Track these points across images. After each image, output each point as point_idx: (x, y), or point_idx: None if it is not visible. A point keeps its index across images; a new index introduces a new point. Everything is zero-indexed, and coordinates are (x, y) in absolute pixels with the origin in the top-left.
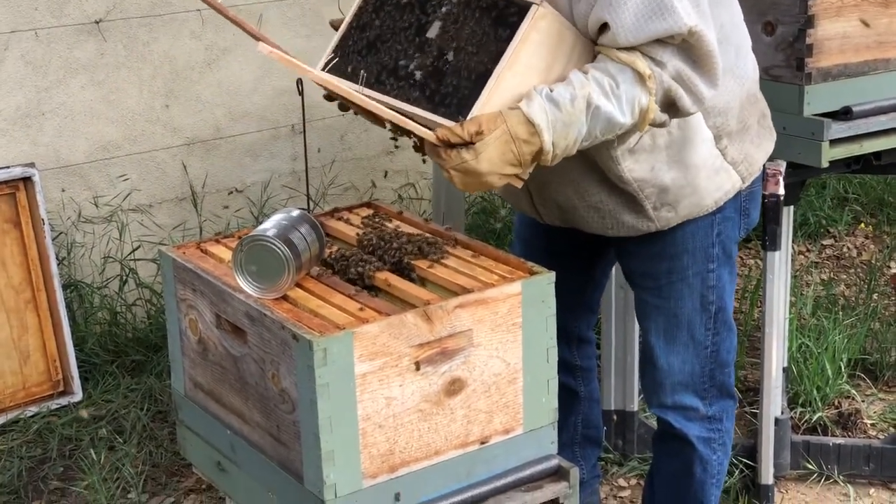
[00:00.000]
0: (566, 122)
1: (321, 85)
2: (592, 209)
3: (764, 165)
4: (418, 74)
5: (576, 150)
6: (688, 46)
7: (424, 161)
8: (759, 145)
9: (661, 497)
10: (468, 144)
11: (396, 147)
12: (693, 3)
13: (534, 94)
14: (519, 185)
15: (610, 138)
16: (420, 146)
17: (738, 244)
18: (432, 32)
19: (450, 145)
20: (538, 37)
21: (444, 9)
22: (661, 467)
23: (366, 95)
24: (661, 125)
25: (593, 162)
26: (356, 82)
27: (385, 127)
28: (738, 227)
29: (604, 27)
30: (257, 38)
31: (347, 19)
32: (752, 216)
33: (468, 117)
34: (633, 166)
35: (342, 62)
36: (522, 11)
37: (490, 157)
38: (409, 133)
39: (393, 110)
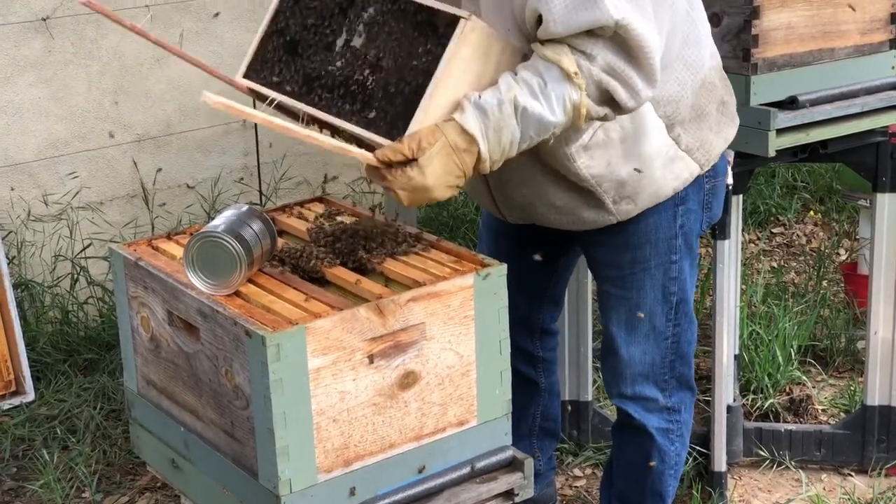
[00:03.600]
0: (497, 128)
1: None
2: (552, 207)
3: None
4: (347, 86)
5: (515, 152)
6: (619, 40)
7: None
8: (719, 132)
9: (620, 487)
10: (410, 161)
11: None
12: None
13: (465, 104)
14: (456, 193)
15: (547, 138)
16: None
17: (699, 238)
18: (357, 41)
19: (391, 165)
20: (468, 51)
21: (367, 14)
22: (619, 457)
23: (305, 121)
24: (604, 119)
25: (548, 162)
26: (283, 92)
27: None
28: (700, 221)
29: (540, 19)
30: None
31: (264, 25)
32: (714, 210)
33: (406, 134)
34: (589, 163)
35: (267, 71)
36: (451, 24)
37: (435, 170)
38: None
39: (327, 125)
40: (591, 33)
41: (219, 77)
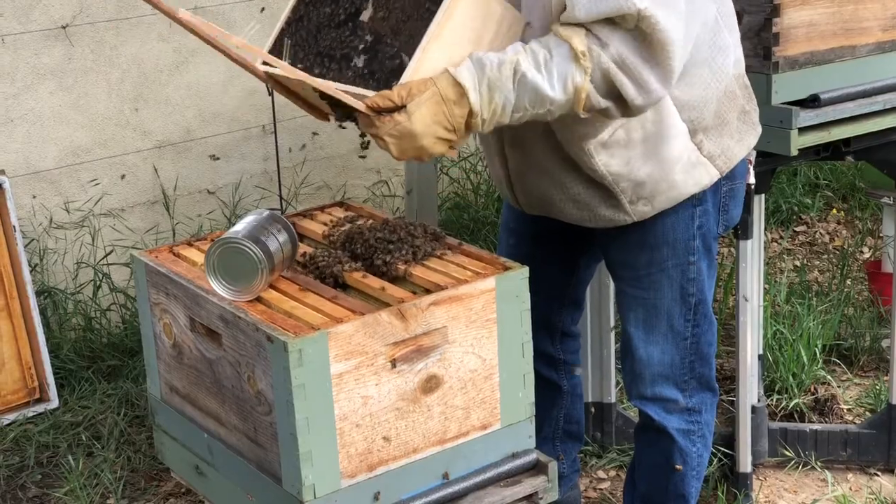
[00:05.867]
0: (491, 86)
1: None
2: (570, 201)
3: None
4: (353, 58)
5: (508, 119)
6: (640, 33)
7: (365, 144)
8: (741, 140)
9: (643, 489)
10: (400, 109)
11: (366, 147)
12: None
13: (465, 59)
14: (454, 154)
15: (543, 113)
16: (346, 118)
17: (716, 239)
18: (365, 16)
19: (381, 112)
20: (465, 8)
21: None
22: (641, 459)
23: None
24: (606, 113)
25: (568, 154)
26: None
27: (328, 120)
28: (717, 223)
29: (565, 6)
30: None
31: (284, 16)
32: (731, 213)
33: (398, 84)
34: (608, 160)
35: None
36: None
37: (423, 116)
38: (347, 111)
39: (330, 98)
40: (611, 21)
41: (240, 62)
